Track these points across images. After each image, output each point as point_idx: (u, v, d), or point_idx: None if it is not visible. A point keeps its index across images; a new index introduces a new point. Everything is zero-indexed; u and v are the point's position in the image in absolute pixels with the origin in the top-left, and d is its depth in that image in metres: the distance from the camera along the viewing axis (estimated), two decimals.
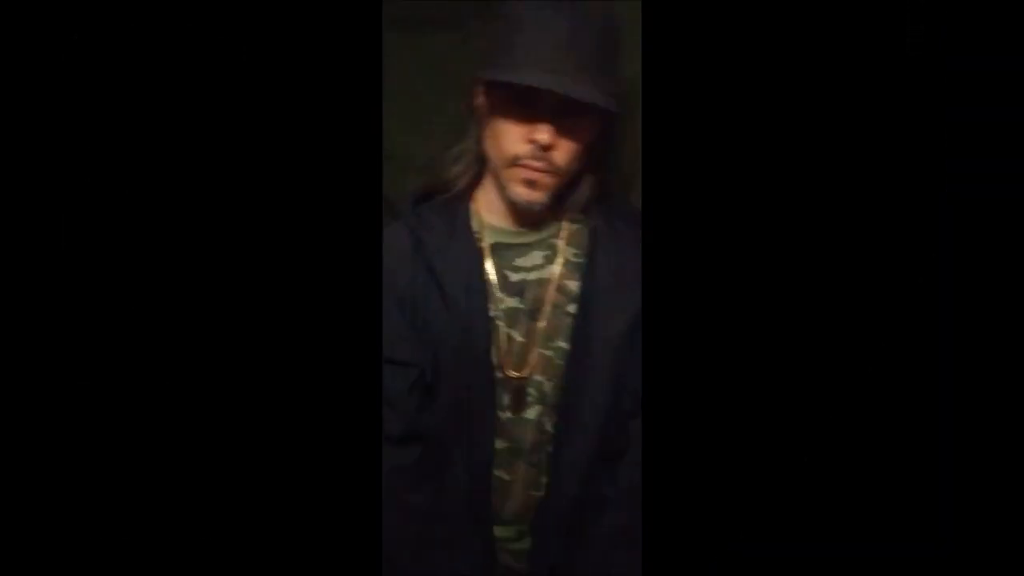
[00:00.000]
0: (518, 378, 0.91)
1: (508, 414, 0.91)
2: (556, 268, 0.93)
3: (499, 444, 0.91)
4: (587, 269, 0.93)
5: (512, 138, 0.87)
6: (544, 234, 0.95)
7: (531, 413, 0.92)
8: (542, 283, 0.93)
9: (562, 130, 0.86)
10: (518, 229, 0.95)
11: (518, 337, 0.91)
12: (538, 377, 0.92)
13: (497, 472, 0.91)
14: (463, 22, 1.14)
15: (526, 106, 0.85)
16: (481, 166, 0.94)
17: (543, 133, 0.85)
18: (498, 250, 0.94)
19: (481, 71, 0.86)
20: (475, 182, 0.96)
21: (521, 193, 0.89)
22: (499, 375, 0.91)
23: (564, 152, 0.88)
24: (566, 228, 0.95)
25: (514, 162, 0.88)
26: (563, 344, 0.91)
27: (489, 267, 0.93)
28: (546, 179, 0.89)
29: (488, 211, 0.95)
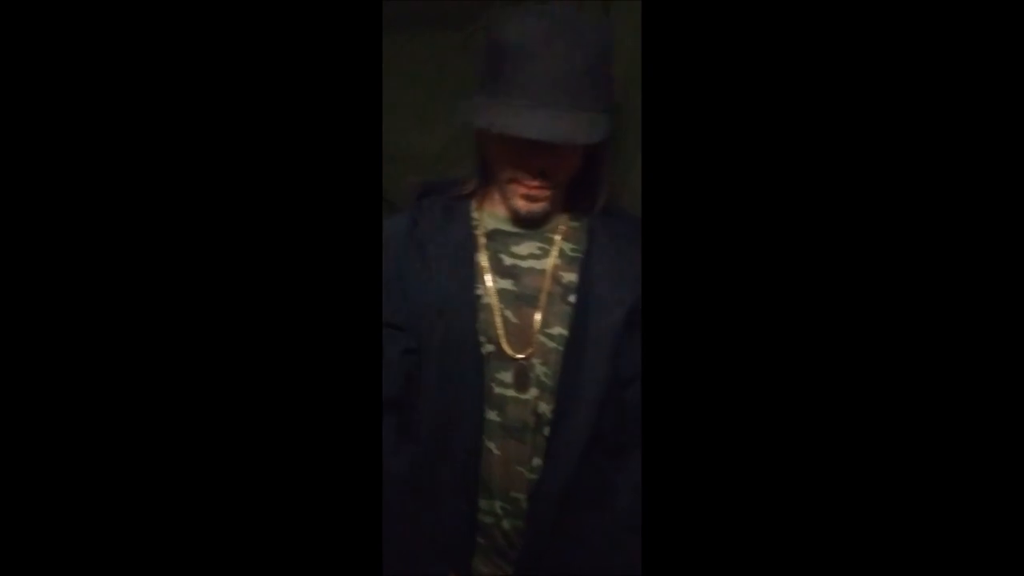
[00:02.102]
0: (521, 359, 0.93)
1: (510, 391, 0.93)
2: (551, 260, 0.96)
3: (491, 416, 0.93)
4: (583, 263, 0.96)
5: (509, 163, 0.92)
6: (542, 230, 0.98)
7: (529, 394, 0.93)
8: (536, 272, 0.95)
9: (558, 155, 0.90)
10: (518, 228, 0.98)
11: (513, 319, 0.94)
12: (536, 361, 0.93)
13: (488, 443, 0.93)
14: (463, 22, 1.14)
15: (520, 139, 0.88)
16: (485, 175, 0.98)
17: (538, 162, 0.89)
18: (494, 236, 0.98)
19: (473, 114, 0.88)
20: (480, 188, 0.99)
21: (521, 206, 0.94)
22: (491, 349, 0.93)
23: (562, 171, 0.93)
24: (564, 225, 0.98)
25: (513, 180, 0.92)
26: (562, 331, 0.93)
27: (482, 250, 0.96)
28: (545, 193, 0.93)
29: (491, 208, 0.98)
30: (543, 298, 0.94)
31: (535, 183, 0.92)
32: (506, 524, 0.94)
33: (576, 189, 0.97)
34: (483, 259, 0.96)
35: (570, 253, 0.97)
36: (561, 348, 0.93)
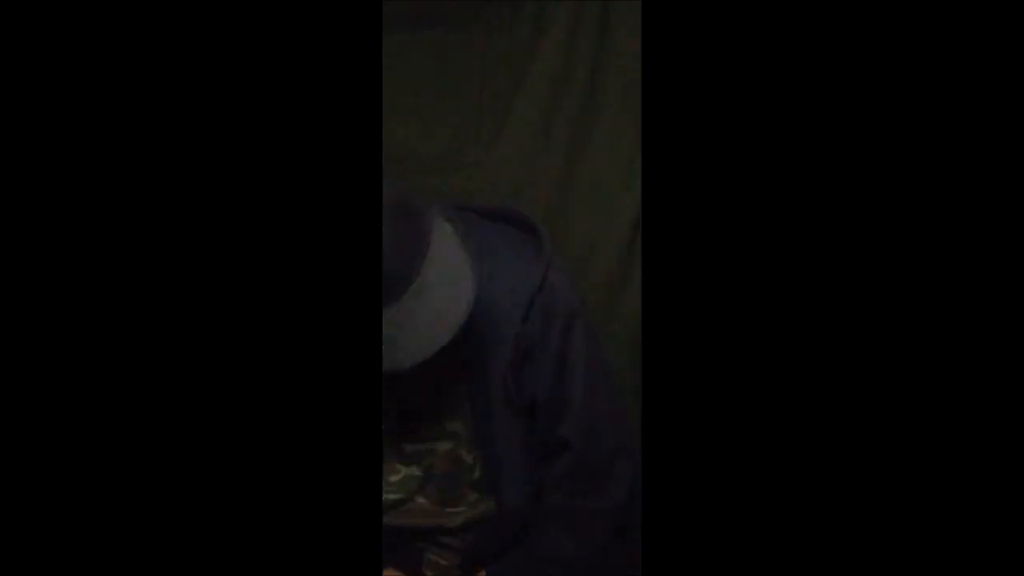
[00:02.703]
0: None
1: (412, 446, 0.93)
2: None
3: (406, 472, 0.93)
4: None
5: None
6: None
7: (441, 447, 0.93)
8: None
9: None
10: None
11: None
12: (444, 420, 0.93)
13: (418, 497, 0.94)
14: (463, 22, 1.14)
15: None
16: None
17: None
18: None
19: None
20: None
21: None
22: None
23: None
24: None
25: None
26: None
27: None
28: None
29: None
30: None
31: None
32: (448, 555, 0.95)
33: None
34: None
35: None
36: (467, 403, 0.92)
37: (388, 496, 0.93)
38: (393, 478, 0.93)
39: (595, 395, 0.93)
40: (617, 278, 1.13)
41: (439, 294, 0.79)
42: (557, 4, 1.12)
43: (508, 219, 0.97)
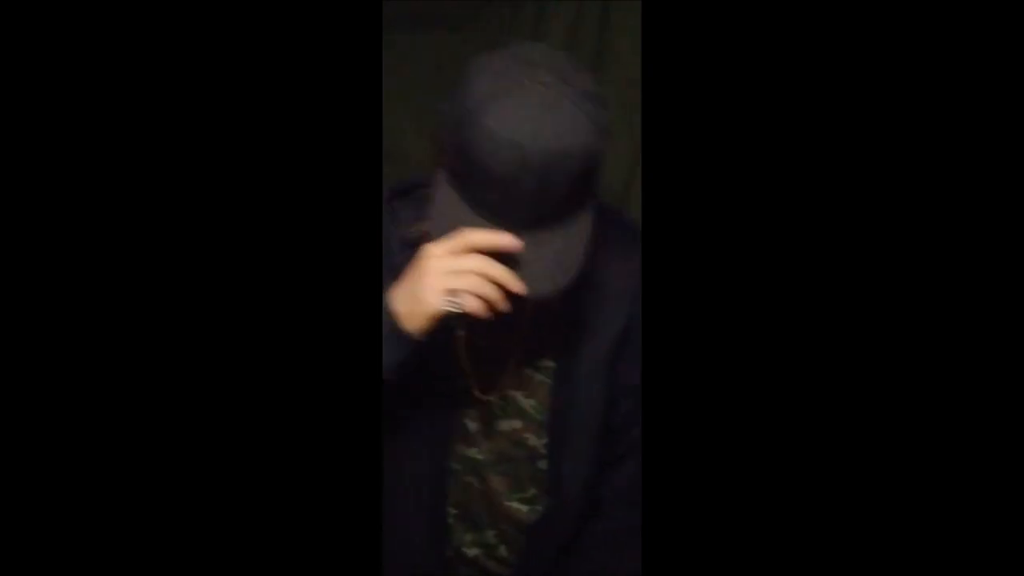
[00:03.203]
0: (489, 399, 0.88)
1: (476, 424, 0.89)
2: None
3: (469, 452, 0.89)
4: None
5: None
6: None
7: (504, 426, 0.89)
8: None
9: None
10: None
11: (487, 351, 0.87)
12: (519, 393, 0.88)
13: (467, 479, 0.89)
14: (463, 22, 1.15)
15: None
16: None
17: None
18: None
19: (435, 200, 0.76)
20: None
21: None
22: (462, 384, 0.87)
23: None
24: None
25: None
26: (549, 363, 0.88)
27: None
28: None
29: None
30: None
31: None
32: (503, 551, 0.91)
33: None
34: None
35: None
36: (549, 381, 0.87)
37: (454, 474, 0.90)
38: (455, 465, 0.90)
39: None
40: None
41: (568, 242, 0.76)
42: (557, 4, 1.13)
43: (610, 216, 0.92)
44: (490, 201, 0.73)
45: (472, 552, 0.92)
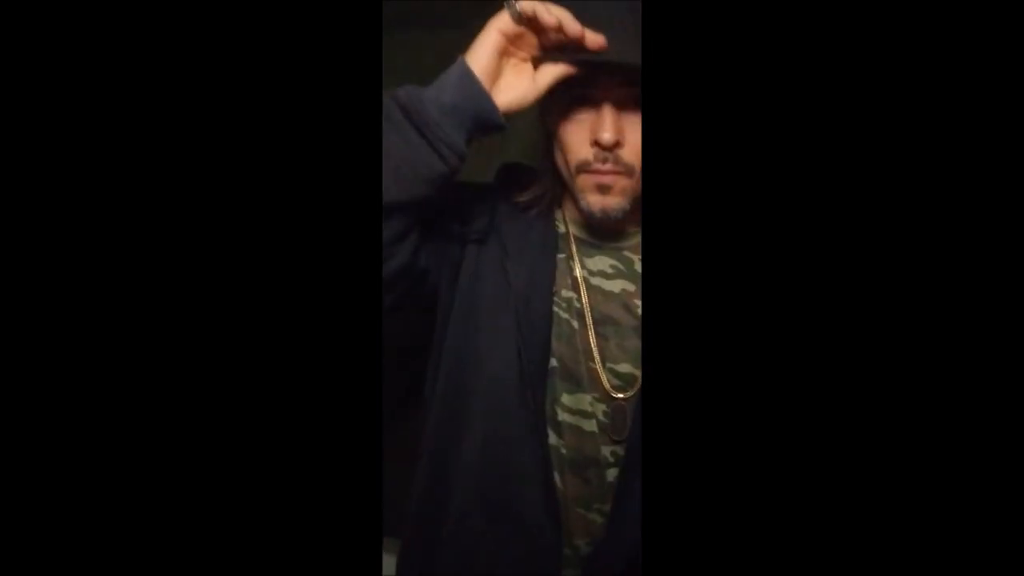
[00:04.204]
0: (617, 398, 0.83)
1: (567, 416, 0.84)
2: (622, 283, 0.86)
3: (552, 441, 0.84)
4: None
5: (575, 143, 0.82)
6: (620, 244, 0.88)
7: (593, 426, 0.84)
8: (604, 294, 0.86)
9: (628, 124, 0.81)
10: (594, 238, 0.88)
11: (576, 340, 0.84)
12: (592, 396, 0.84)
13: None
14: (463, 22, 1.14)
15: (583, 103, 0.81)
16: (558, 183, 0.88)
17: (606, 131, 0.79)
18: (571, 241, 0.87)
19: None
20: (555, 202, 0.90)
21: (594, 202, 0.83)
22: (555, 365, 0.84)
23: (634, 149, 0.81)
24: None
25: (583, 169, 0.82)
26: (632, 370, 0.84)
27: (558, 254, 0.87)
28: (620, 182, 0.82)
29: (569, 211, 0.89)
30: (608, 327, 0.85)
31: (606, 167, 0.80)
32: (565, 574, 0.83)
33: None
34: (558, 265, 0.86)
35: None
36: (629, 389, 0.83)
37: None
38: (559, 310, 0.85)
39: None
40: None
41: None
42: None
43: None
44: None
45: (562, 416, 0.85)
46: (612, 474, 0.83)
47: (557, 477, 0.83)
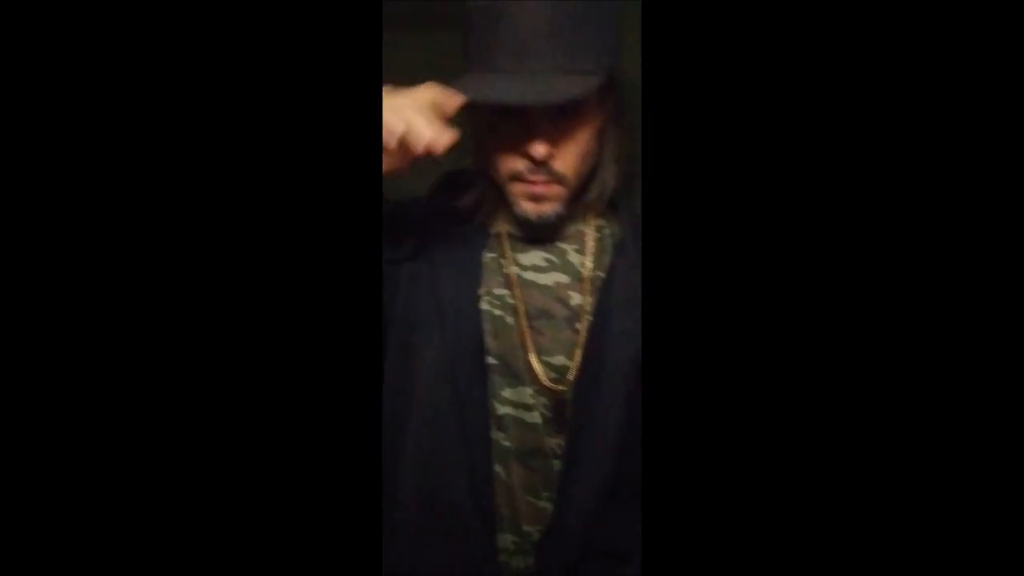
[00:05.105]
0: (552, 389, 0.84)
1: (514, 411, 0.85)
2: (555, 276, 0.86)
3: (496, 437, 0.85)
4: (604, 284, 0.86)
5: (506, 154, 0.80)
6: (555, 240, 0.88)
7: (536, 418, 0.85)
8: (538, 288, 0.86)
9: (560, 135, 0.79)
10: (528, 234, 0.88)
11: (511, 335, 0.85)
12: (530, 389, 0.85)
13: (495, 467, 0.85)
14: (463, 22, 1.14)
15: (514, 116, 0.78)
16: (494, 188, 0.87)
17: (538, 147, 0.78)
18: (503, 240, 0.87)
19: (457, 84, 0.77)
20: (493, 205, 0.89)
21: (529, 209, 0.82)
22: (494, 363, 0.85)
23: (566, 160, 0.80)
24: (589, 237, 0.87)
25: (515, 179, 0.81)
26: (565, 361, 0.85)
27: (488, 254, 0.86)
28: (554, 190, 0.81)
29: (507, 223, 0.88)
30: (542, 320, 0.85)
31: (538, 177, 0.80)
32: (517, 562, 0.85)
33: (592, 184, 0.86)
34: (488, 264, 0.86)
35: (584, 271, 0.86)
36: (560, 379, 0.84)
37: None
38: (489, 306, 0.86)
39: None
40: None
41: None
42: None
43: None
44: (494, 46, 0.74)
45: (504, 410, 0.86)
46: (558, 464, 0.85)
47: (501, 469, 0.85)
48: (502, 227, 0.89)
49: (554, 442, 0.86)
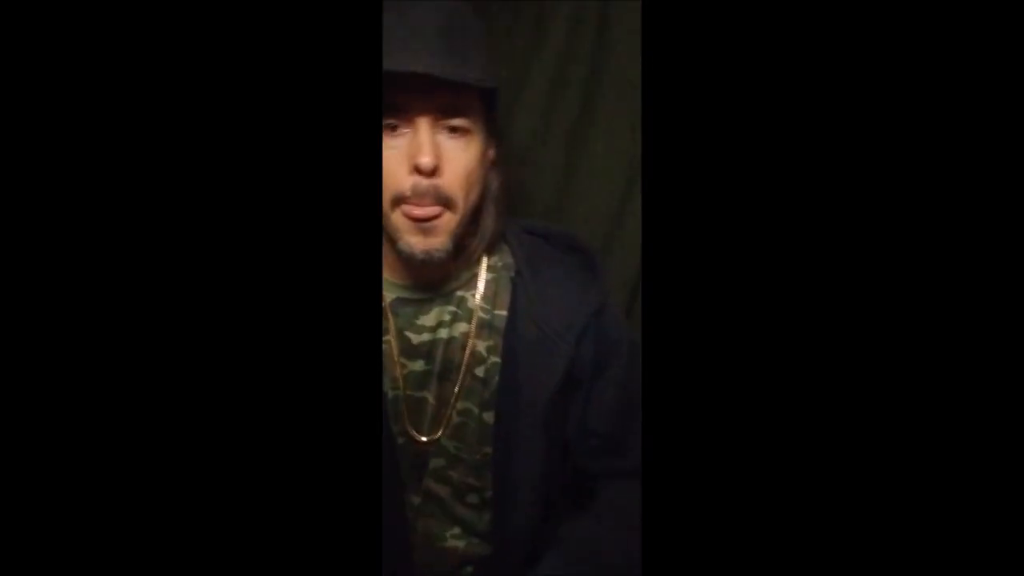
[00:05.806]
0: (423, 443, 0.87)
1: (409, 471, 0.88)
2: (462, 326, 0.86)
3: (413, 500, 0.89)
4: (507, 323, 0.86)
5: (389, 173, 0.77)
6: (452, 287, 0.86)
7: (434, 464, 0.88)
8: (451, 343, 0.86)
9: (447, 152, 0.77)
10: (421, 287, 0.85)
11: (431, 399, 0.86)
12: (447, 442, 0.87)
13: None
14: None
15: (402, 129, 0.77)
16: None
17: (424, 157, 0.75)
18: (397, 307, 0.85)
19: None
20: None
21: (414, 243, 0.78)
22: (401, 441, 0.87)
23: (453, 177, 0.77)
24: (481, 279, 0.87)
25: (399, 202, 0.78)
26: (471, 407, 0.86)
27: (387, 329, 0.85)
28: (441, 219, 0.78)
29: (388, 269, 0.85)
30: (459, 373, 0.85)
31: (424, 199, 0.76)
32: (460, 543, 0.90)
33: (477, 226, 0.84)
34: (391, 340, 0.85)
35: (484, 315, 0.86)
36: (472, 424, 0.86)
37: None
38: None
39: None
40: None
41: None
42: (557, 4, 1.12)
43: (562, 243, 0.93)
44: (402, 35, 0.74)
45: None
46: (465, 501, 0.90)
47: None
48: (391, 293, 0.86)
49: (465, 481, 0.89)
